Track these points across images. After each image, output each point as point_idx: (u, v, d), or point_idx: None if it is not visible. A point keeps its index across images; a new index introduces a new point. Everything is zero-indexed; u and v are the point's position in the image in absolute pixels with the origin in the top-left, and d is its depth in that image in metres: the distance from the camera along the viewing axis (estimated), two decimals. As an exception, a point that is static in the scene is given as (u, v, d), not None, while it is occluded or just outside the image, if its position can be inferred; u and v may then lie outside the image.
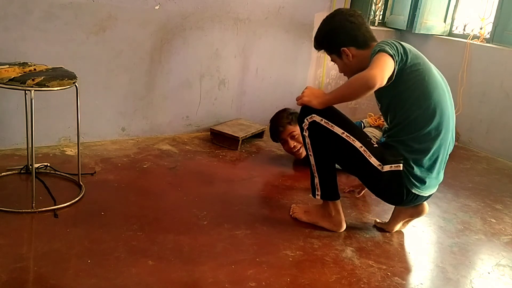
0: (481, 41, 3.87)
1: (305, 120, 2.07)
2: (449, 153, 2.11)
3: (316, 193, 2.17)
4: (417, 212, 2.23)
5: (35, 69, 2.11)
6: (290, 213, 2.30)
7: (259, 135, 3.45)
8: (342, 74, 2.21)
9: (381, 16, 4.39)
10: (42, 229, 1.95)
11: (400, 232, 2.30)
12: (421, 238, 2.29)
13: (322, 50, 2.19)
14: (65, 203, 2.12)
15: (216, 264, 1.83)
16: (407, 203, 2.11)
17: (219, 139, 3.21)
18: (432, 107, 1.99)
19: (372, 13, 4.19)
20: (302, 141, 2.84)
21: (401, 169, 1.98)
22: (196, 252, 1.89)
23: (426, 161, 2.01)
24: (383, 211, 2.47)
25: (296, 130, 2.86)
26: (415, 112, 1.99)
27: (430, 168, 2.03)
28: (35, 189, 2.05)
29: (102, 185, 2.38)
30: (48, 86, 1.97)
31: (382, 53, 1.90)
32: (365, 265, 1.97)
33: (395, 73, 1.93)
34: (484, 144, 3.79)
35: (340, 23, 2.10)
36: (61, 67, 2.25)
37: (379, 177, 2.01)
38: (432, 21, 4.12)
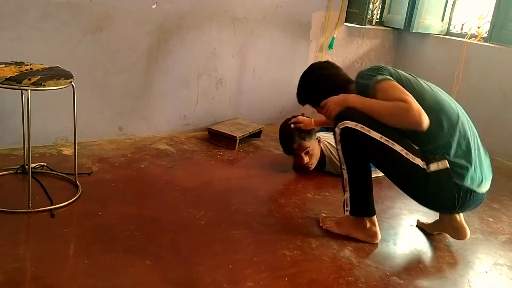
0: (479, 40, 3.87)
1: (335, 129, 1.97)
2: (479, 140, 2.04)
3: (345, 208, 2.07)
4: (456, 234, 2.21)
5: (31, 69, 2.10)
6: (320, 224, 2.21)
7: (256, 134, 3.44)
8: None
9: (378, 15, 4.39)
10: (39, 229, 1.94)
11: (398, 232, 2.30)
12: (419, 237, 2.29)
13: (307, 104, 2.26)
14: (62, 203, 2.12)
15: (213, 264, 1.82)
16: (462, 205, 1.95)
17: (216, 139, 3.21)
18: (434, 114, 1.90)
19: (370, 12, 4.18)
20: (313, 156, 2.82)
21: (447, 166, 1.87)
22: (194, 252, 1.89)
23: (457, 148, 1.91)
24: (382, 211, 2.47)
25: (311, 145, 2.80)
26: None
27: (467, 155, 1.92)
28: (31, 189, 2.05)
29: (99, 185, 2.38)
30: (44, 86, 1.96)
31: (386, 81, 1.90)
32: (363, 264, 1.96)
33: None
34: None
35: (316, 78, 2.19)
36: (58, 67, 2.24)
37: (426, 178, 1.89)
38: (430, 20, 4.12)
